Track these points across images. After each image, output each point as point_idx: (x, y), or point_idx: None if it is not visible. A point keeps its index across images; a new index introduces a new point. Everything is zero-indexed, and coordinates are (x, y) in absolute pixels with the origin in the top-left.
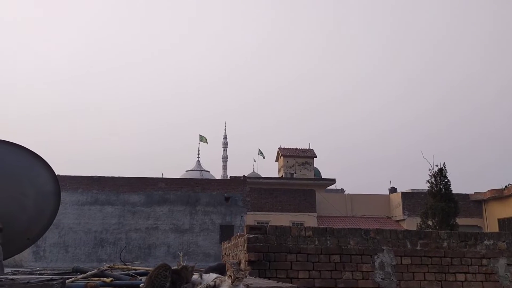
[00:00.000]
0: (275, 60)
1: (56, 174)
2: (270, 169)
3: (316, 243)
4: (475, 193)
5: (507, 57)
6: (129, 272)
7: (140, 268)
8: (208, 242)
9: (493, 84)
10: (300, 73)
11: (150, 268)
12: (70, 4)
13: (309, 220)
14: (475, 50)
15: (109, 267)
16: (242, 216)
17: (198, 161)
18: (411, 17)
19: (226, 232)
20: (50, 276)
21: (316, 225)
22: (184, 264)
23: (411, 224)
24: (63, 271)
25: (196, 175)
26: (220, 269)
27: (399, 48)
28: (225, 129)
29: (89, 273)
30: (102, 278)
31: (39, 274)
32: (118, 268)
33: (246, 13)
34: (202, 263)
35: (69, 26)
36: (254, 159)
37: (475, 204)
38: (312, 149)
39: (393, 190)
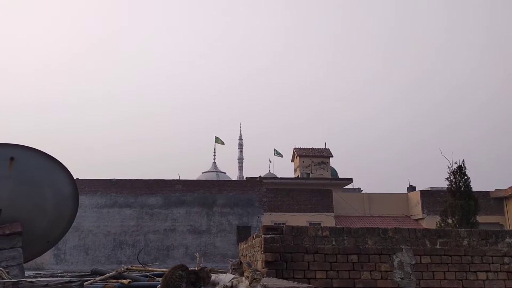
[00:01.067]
0: (289, 63)
1: (75, 178)
2: (286, 169)
3: (333, 243)
4: (496, 190)
5: None
6: (147, 273)
7: (158, 269)
8: (225, 243)
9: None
10: (314, 73)
11: (167, 269)
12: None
13: (327, 220)
14: (485, 42)
15: (127, 269)
16: (258, 217)
17: (214, 162)
18: (422, 11)
19: (243, 233)
20: (69, 279)
21: (333, 225)
22: (202, 266)
23: (431, 223)
24: (82, 273)
25: (212, 176)
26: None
27: (407, 42)
28: (240, 130)
29: (107, 275)
30: (120, 280)
31: (60, 276)
32: (136, 270)
33: (261, 18)
34: (220, 264)
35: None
36: (270, 160)
37: (496, 201)
38: (328, 149)
39: (411, 188)
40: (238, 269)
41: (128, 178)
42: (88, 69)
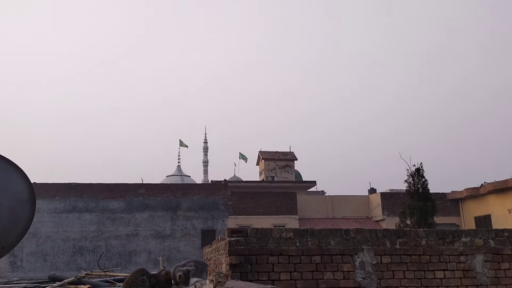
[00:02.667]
0: (256, 66)
1: (32, 181)
2: (251, 172)
3: (297, 244)
4: (452, 192)
5: (489, 63)
6: (107, 278)
7: (118, 274)
8: (190, 247)
9: (472, 88)
10: (281, 79)
11: (128, 275)
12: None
13: (291, 222)
14: (467, 57)
15: (86, 274)
16: (223, 220)
17: (179, 166)
18: (395, 32)
19: (208, 237)
20: (24, 285)
21: (297, 227)
22: (164, 269)
23: (390, 224)
24: (40, 280)
25: (176, 180)
26: (195, 265)
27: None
28: (205, 134)
29: (65, 280)
30: (79, 286)
31: (16, 283)
32: (96, 275)
33: (232, 21)
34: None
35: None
36: (235, 163)
37: (452, 203)
38: (293, 152)
39: (372, 190)
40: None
41: (88, 182)
42: (47, 66)
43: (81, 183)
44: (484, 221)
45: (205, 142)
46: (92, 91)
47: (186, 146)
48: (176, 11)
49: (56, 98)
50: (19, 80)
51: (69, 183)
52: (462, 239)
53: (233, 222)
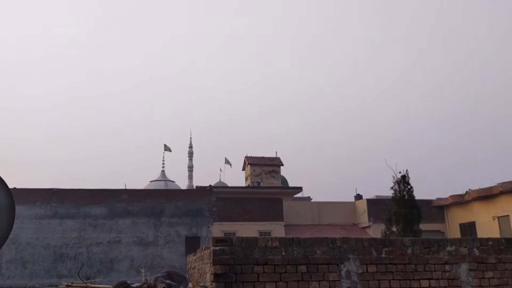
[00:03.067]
0: (243, 72)
1: (12, 186)
2: (237, 178)
3: (283, 253)
4: (437, 199)
5: (473, 61)
6: None
7: (99, 286)
8: (174, 255)
9: (454, 90)
10: (270, 85)
11: (109, 286)
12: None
13: (276, 229)
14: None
15: (67, 285)
16: (208, 227)
17: (163, 171)
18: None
19: (192, 244)
20: None
21: (283, 234)
22: (147, 281)
23: (376, 230)
24: None
25: (160, 185)
26: (170, 276)
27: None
28: (191, 138)
29: None
30: None
31: None
32: (77, 286)
33: (217, 23)
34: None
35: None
36: (220, 169)
37: (437, 209)
38: (279, 157)
39: (358, 197)
40: None
41: (70, 188)
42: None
43: (63, 189)
44: (469, 228)
45: (190, 147)
46: (77, 92)
47: (170, 150)
48: (155, 11)
49: (39, 101)
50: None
51: (50, 189)
52: (447, 248)
53: (218, 228)
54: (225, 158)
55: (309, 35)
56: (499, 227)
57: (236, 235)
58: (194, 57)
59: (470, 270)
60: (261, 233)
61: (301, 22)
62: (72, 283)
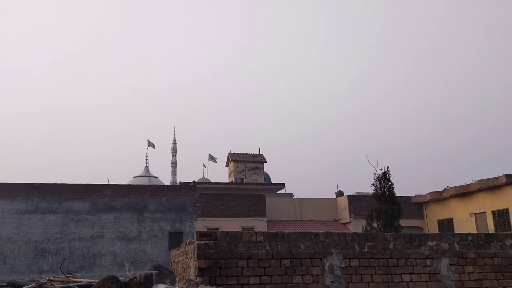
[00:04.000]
0: (227, 66)
1: None
2: (220, 174)
3: (267, 248)
4: (416, 195)
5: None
6: (70, 285)
7: (83, 280)
8: (157, 250)
9: (425, 87)
10: (253, 80)
11: (94, 280)
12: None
13: (259, 224)
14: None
15: (48, 280)
16: (191, 222)
17: (147, 166)
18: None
19: (175, 239)
20: None
21: (266, 230)
22: (131, 276)
23: (357, 226)
24: None
25: (144, 181)
26: (157, 270)
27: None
28: (174, 134)
29: (26, 287)
30: None
31: None
32: (59, 281)
33: (202, 20)
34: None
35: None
36: (204, 165)
37: (417, 206)
38: (262, 154)
39: (340, 193)
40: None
41: (52, 182)
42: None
43: (45, 183)
44: (446, 224)
45: (174, 143)
46: (58, 86)
47: (153, 147)
48: (146, 10)
49: (21, 92)
50: None
51: (31, 183)
52: (428, 243)
53: (201, 224)
54: (209, 154)
55: (296, 31)
56: (476, 224)
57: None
58: (177, 49)
59: (450, 264)
60: (244, 228)
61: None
62: (54, 277)
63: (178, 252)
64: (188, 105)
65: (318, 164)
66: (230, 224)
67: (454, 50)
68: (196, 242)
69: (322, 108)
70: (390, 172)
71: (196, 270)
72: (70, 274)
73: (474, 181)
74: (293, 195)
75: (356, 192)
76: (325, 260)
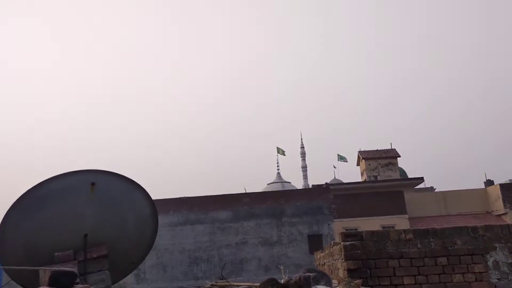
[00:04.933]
0: (344, 63)
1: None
2: (352, 174)
3: (419, 246)
4: None
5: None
6: None
7: (242, 284)
8: (298, 253)
9: None
10: (366, 71)
11: (254, 284)
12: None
13: (401, 222)
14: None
15: (212, 285)
16: (329, 224)
17: (278, 173)
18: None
19: (315, 242)
20: None
21: (409, 228)
22: (288, 278)
23: None
24: None
25: (278, 187)
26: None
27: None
28: (301, 138)
29: None
30: None
31: None
32: (220, 286)
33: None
34: (293, 274)
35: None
36: (334, 165)
37: None
38: (395, 149)
39: (489, 182)
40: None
41: (197, 195)
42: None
43: (191, 197)
44: None
45: (302, 147)
46: (191, 103)
47: (283, 154)
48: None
49: (183, 112)
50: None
51: (180, 198)
52: None
53: (339, 225)
54: (338, 155)
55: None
56: None
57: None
58: (297, 56)
59: None
60: (384, 227)
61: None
62: (216, 282)
63: (322, 254)
64: (311, 107)
65: (457, 153)
66: (369, 224)
67: None
68: (341, 243)
69: (458, 87)
70: None
71: (345, 271)
72: (222, 279)
73: None
74: (434, 189)
75: (510, 180)
76: (488, 256)
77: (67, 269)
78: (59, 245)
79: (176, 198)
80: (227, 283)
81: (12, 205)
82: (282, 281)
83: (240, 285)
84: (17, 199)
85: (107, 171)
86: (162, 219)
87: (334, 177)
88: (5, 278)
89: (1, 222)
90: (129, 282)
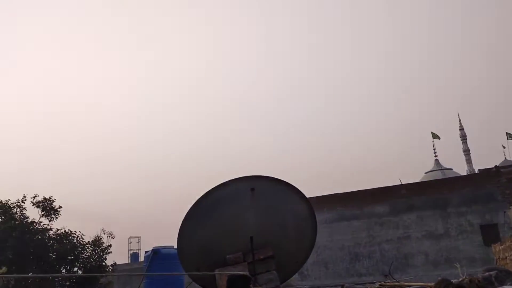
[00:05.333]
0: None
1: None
2: None
3: None
4: None
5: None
6: None
7: (413, 283)
8: (469, 246)
9: None
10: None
11: (428, 284)
12: None
13: None
14: None
15: (380, 285)
16: (505, 212)
17: (436, 160)
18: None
19: (489, 233)
20: None
21: None
22: (465, 277)
23: None
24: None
25: (437, 175)
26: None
27: None
28: (459, 120)
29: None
30: None
31: None
32: (390, 285)
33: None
34: (468, 270)
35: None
36: (503, 145)
37: None
38: None
39: None
40: None
41: (350, 191)
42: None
43: (344, 192)
44: None
45: (461, 129)
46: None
47: (439, 138)
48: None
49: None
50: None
51: (334, 194)
52: None
53: None
54: (507, 133)
55: None
56: None
57: None
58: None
59: None
60: None
61: None
62: (385, 282)
63: (502, 247)
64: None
65: None
66: None
67: None
68: None
69: None
70: None
71: None
72: (386, 276)
73: None
74: None
75: None
76: None
77: (242, 273)
78: (229, 248)
79: (330, 195)
80: (397, 283)
81: (184, 218)
82: (456, 281)
83: (412, 285)
84: (188, 211)
85: (264, 176)
86: (317, 217)
87: (505, 158)
88: (187, 279)
89: (178, 235)
90: (294, 279)
